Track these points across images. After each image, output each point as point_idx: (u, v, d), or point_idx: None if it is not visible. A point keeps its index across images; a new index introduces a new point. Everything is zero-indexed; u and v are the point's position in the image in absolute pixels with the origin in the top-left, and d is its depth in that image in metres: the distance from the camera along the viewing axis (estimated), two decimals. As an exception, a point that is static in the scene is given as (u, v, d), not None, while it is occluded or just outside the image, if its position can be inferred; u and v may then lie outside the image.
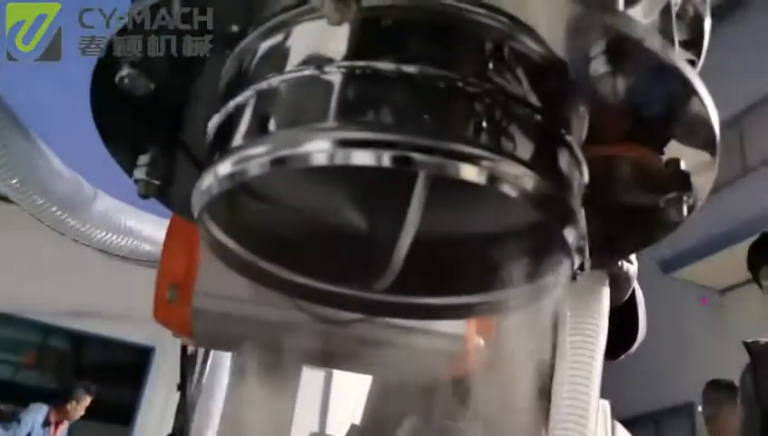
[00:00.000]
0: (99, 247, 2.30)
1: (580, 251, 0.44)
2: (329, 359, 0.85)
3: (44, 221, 1.86)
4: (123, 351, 7.35)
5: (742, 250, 2.09)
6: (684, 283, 7.67)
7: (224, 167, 0.39)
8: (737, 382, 2.06)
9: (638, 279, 1.20)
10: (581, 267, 0.49)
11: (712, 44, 0.60)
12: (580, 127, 0.46)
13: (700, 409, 2.80)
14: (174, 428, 1.04)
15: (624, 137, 0.50)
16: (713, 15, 0.60)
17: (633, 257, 0.99)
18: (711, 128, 0.44)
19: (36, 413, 3.92)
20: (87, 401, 4.18)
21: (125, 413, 7.05)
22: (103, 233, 2.14)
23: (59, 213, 1.80)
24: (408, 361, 0.76)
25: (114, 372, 7.62)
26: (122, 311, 6.72)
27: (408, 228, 0.45)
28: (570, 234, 0.42)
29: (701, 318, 7.56)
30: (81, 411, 4.18)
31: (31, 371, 7.42)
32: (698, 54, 0.59)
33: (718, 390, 2.78)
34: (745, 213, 6.16)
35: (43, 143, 1.85)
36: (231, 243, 0.48)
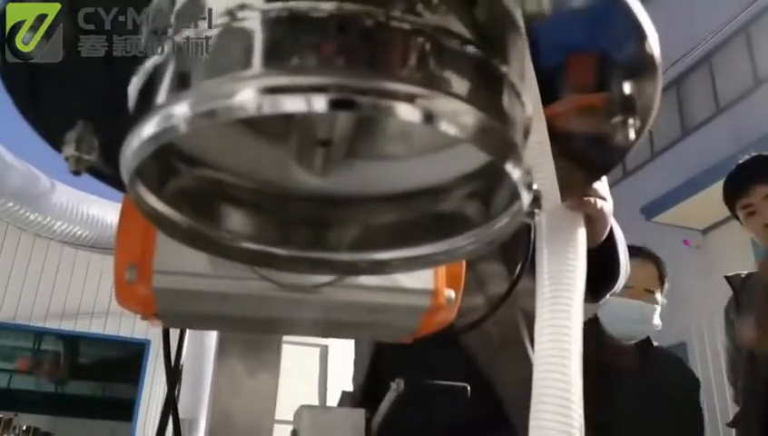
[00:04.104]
0: (62, 239, 2.27)
1: (528, 186, 0.43)
2: (304, 327, 0.84)
3: (2, 217, 1.82)
4: (118, 348, 7.35)
5: (719, 189, 2.09)
6: (666, 227, 7.76)
7: (149, 128, 0.37)
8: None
9: (623, 228, 1.18)
10: (537, 205, 0.48)
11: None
12: (519, 59, 0.45)
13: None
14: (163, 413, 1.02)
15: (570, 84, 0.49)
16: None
17: (607, 194, 0.97)
18: (648, 50, 0.43)
19: None
20: None
21: (127, 409, 7.07)
22: (66, 225, 2.10)
23: (16, 207, 1.75)
24: (380, 320, 0.76)
25: (111, 370, 7.63)
26: (112, 307, 6.70)
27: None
28: (514, 169, 0.41)
29: (686, 259, 7.68)
30: None
31: (26, 377, 7.40)
32: None
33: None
34: (720, 153, 6.23)
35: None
36: (169, 211, 0.46)
